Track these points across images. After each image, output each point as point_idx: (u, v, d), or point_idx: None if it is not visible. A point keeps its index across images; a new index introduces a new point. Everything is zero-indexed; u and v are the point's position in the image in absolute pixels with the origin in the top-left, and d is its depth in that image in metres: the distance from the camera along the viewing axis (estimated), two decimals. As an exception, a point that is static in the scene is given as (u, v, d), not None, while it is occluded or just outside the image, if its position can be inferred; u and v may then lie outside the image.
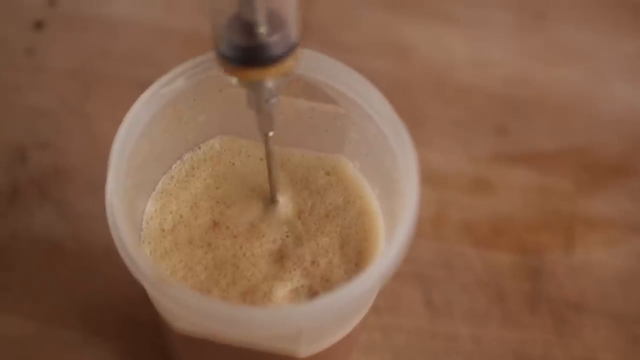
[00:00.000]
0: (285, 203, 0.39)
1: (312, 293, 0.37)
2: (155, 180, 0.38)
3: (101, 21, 0.53)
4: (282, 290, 0.36)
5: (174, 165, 0.39)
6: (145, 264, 0.32)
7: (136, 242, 0.32)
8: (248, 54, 0.31)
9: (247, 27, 0.31)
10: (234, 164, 0.39)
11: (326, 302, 0.32)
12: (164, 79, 0.36)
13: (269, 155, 0.36)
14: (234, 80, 0.33)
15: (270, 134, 0.36)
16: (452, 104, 0.52)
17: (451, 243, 0.48)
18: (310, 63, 0.36)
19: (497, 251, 0.48)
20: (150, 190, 0.38)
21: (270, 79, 0.33)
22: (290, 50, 0.31)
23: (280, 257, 0.37)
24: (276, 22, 0.31)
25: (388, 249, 0.33)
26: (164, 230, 0.38)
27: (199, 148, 0.39)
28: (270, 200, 0.38)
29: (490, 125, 0.52)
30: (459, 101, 0.52)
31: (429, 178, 0.50)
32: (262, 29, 0.31)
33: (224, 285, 0.36)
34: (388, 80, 0.53)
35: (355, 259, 0.37)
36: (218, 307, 0.31)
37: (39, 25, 0.52)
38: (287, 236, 0.38)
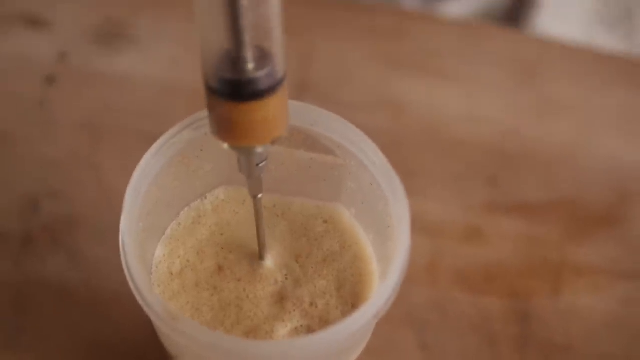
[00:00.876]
0: (285, 249, 0.42)
1: (311, 332, 0.40)
2: (164, 226, 0.42)
3: (109, 77, 0.57)
4: (282, 330, 0.40)
5: (181, 212, 0.43)
6: (156, 300, 0.35)
7: (147, 281, 0.36)
8: (235, 88, 0.34)
9: (236, 63, 0.34)
10: (237, 213, 0.43)
11: (323, 336, 0.36)
12: (174, 130, 0.40)
13: (257, 215, 0.40)
14: (225, 145, 0.37)
15: (259, 196, 0.39)
16: (446, 157, 0.56)
17: (445, 288, 0.52)
18: (310, 116, 0.40)
19: (488, 296, 0.52)
20: (159, 235, 0.42)
21: (260, 144, 0.36)
22: (276, 85, 0.34)
23: (280, 299, 0.41)
24: (263, 58, 0.34)
25: (381, 289, 0.36)
26: (172, 274, 0.41)
27: (205, 197, 0.43)
28: (259, 257, 0.42)
29: (482, 177, 0.56)
30: (453, 154, 0.56)
31: (424, 227, 0.53)
32: (250, 65, 0.34)
33: (228, 325, 0.40)
34: (385, 134, 0.56)
35: (352, 300, 0.41)
36: (223, 340, 0.35)
37: (50, 79, 0.57)
38: (287, 279, 0.42)
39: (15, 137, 0.54)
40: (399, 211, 0.38)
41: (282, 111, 0.36)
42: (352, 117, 0.41)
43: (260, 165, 0.37)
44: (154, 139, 0.40)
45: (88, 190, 0.52)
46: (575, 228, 0.54)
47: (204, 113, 0.40)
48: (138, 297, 0.35)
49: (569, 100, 0.59)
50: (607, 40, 0.73)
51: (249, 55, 0.33)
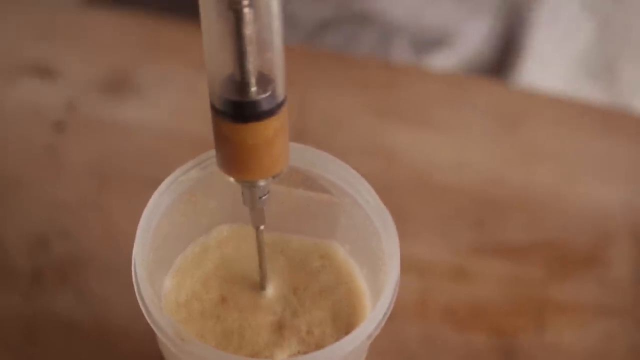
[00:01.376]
0: (284, 282, 0.46)
1: (308, 358, 0.44)
2: (172, 259, 0.46)
3: (115, 124, 0.61)
4: (281, 355, 0.44)
5: (188, 247, 0.46)
6: (167, 322, 0.39)
7: (158, 304, 0.39)
8: (239, 110, 0.37)
9: (239, 86, 0.37)
10: (240, 248, 0.47)
11: (317, 356, 0.39)
12: (182, 169, 0.43)
13: (260, 247, 0.44)
14: (231, 179, 0.41)
15: (261, 227, 0.43)
16: (434, 201, 0.60)
17: (433, 324, 0.55)
18: (309, 157, 0.44)
19: (475, 333, 0.55)
20: (167, 267, 0.46)
21: (262, 178, 0.40)
22: (276, 108, 0.38)
23: (279, 327, 0.45)
24: (265, 83, 0.37)
25: (372, 314, 0.40)
26: (179, 304, 0.45)
27: (210, 233, 0.47)
28: (260, 287, 0.46)
29: (469, 220, 0.59)
30: (441, 199, 0.60)
31: (414, 267, 0.57)
32: (253, 89, 0.37)
33: (231, 351, 0.44)
34: (376, 180, 0.60)
35: (345, 329, 0.45)
36: (228, 358, 0.39)
37: (58, 126, 0.60)
38: (285, 310, 0.45)
39: (26, 180, 0.58)
40: (390, 246, 0.42)
41: (284, 146, 0.40)
42: (345, 162, 0.45)
43: (263, 198, 0.41)
44: (158, 182, 0.44)
45: (95, 231, 0.56)
46: (558, 268, 0.58)
47: (209, 154, 0.43)
48: (149, 319, 0.39)
49: (551, 148, 0.63)
50: (590, 91, 0.77)
51: (252, 80, 0.37)
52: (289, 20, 0.70)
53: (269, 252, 0.46)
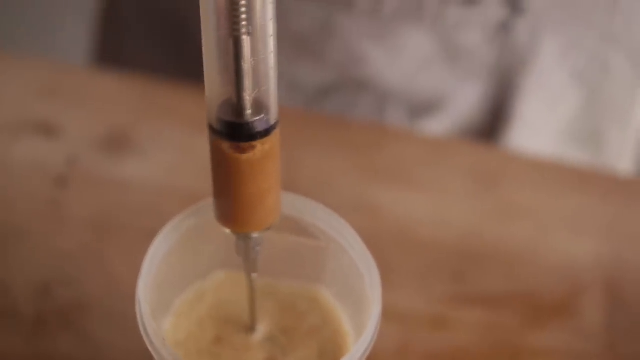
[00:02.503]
0: (274, 323, 0.51)
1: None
2: (171, 301, 0.50)
3: (114, 180, 0.66)
4: (272, 389, 0.48)
5: (186, 290, 0.51)
6: (169, 353, 0.43)
7: (161, 336, 0.44)
8: (235, 130, 0.42)
9: (236, 109, 0.41)
10: (234, 292, 0.52)
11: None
12: (182, 215, 0.48)
13: (251, 292, 0.49)
14: (227, 230, 0.46)
15: (254, 275, 0.48)
16: (415, 255, 0.65)
17: (414, 369, 0.60)
18: (299, 206, 0.48)
19: (454, 377, 0.60)
20: (167, 309, 0.50)
21: (256, 230, 0.45)
22: (270, 129, 0.42)
23: (270, 364, 0.49)
24: (259, 107, 0.42)
25: (356, 346, 0.45)
26: (177, 343, 0.49)
27: (207, 277, 0.52)
28: (250, 328, 0.50)
29: (448, 272, 0.64)
30: (422, 253, 0.65)
31: (395, 316, 0.62)
32: (248, 111, 0.41)
33: (226, 385, 0.48)
34: (361, 234, 0.64)
35: (332, 366, 0.50)
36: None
37: (60, 181, 0.65)
38: (275, 348, 0.50)
39: (30, 231, 0.63)
40: (374, 286, 0.47)
41: (276, 200, 0.45)
42: (332, 215, 0.50)
43: (256, 249, 0.46)
44: (154, 234, 0.48)
45: (96, 278, 0.61)
46: (532, 316, 0.62)
47: (207, 202, 0.48)
48: (152, 350, 0.44)
49: (527, 205, 0.68)
50: (577, 156, 0.80)
51: (248, 103, 0.41)
52: (290, 85, 0.74)
53: (260, 295, 0.51)
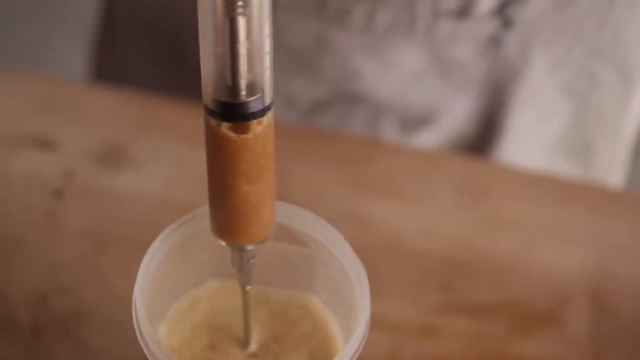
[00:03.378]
0: (266, 330, 0.53)
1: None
2: (166, 307, 0.52)
3: (110, 192, 0.67)
4: (263, 393, 0.50)
5: (181, 298, 0.53)
6: (163, 353, 0.45)
7: (155, 336, 0.46)
8: (230, 109, 0.43)
9: (231, 89, 0.42)
10: (228, 300, 0.53)
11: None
12: (176, 223, 0.50)
13: (245, 304, 0.50)
14: (222, 242, 0.47)
15: (248, 287, 0.50)
16: (404, 265, 0.67)
17: (403, 376, 0.62)
18: (290, 214, 0.50)
19: (442, 384, 0.62)
20: (162, 315, 0.52)
21: (251, 243, 0.47)
22: (265, 109, 0.43)
23: (262, 369, 0.51)
24: (255, 87, 0.42)
25: (346, 349, 0.47)
26: (172, 349, 0.51)
27: (202, 285, 0.53)
28: (245, 338, 0.52)
29: (437, 282, 0.66)
30: (411, 263, 0.67)
31: (385, 325, 0.63)
32: (243, 92, 0.42)
33: (219, 389, 0.50)
34: (351, 245, 0.67)
35: (323, 371, 0.51)
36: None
37: (57, 193, 0.67)
38: (267, 355, 0.52)
39: (28, 242, 0.64)
40: (362, 290, 0.49)
41: (271, 213, 0.47)
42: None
43: (250, 261, 0.48)
44: (149, 245, 0.50)
45: (92, 288, 0.62)
46: (519, 325, 0.64)
47: (202, 210, 0.50)
48: (147, 351, 0.45)
49: (514, 216, 0.70)
50: (566, 169, 0.82)
51: (242, 83, 0.42)
52: (287, 99, 0.75)
53: (253, 303, 0.53)
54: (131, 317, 0.47)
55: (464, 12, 0.71)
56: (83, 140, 0.70)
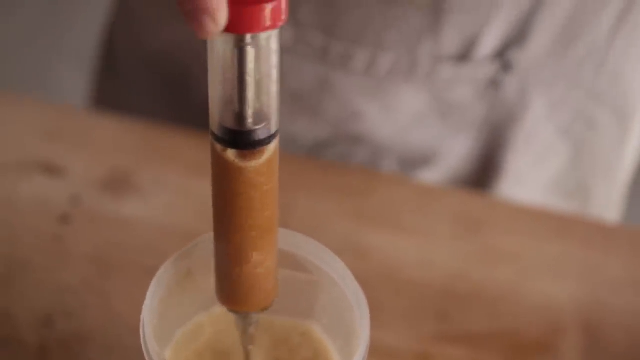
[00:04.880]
0: (269, 355, 0.54)
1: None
2: (172, 332, 0.54)
3: (115, 218, 0.69)
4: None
5: (186, 322, 0.55)
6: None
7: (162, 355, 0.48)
8: (237, 137, 0.44)
9: (238, 117, 0.43)
10: (232, 326, 0.55)
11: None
12: (186, 248, 0.52)
13: (245, 351, 0.52)
14: (225, 307, 0.49)
15: (250, 347, 0.52)
16: (402, 295, 0.68)
17: (400, 402, 0.63)
18: (293, 240, 0.52)
19: (437, 411, 0.63)
20: (168, 340, 0.54)
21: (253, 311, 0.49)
22: (271, 137, 0.44)
23: (265, 394, 0.53)
24: (261, 115, 0.44)
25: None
26: (178, 371, 0.53)
27: (206, 310, 0.55)
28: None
29: (433, 312, 0.68)
30: (408, 293, 0.68)
31: (382, 353, 0.65)
32: (250, 120, 0.43)
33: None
34: (351, 274, 0.69)
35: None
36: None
37: (64, 218, 0.69)
38: (270, 378, 0.54)
39: (35, 265, 0.66)
40: (362, 316, 0.51)
41: (274, 283, 0.49)
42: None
43: (253, 325, 0.50)
44: (153, 270, 0.51)
45: (96, 311, 0.64)
46: (513, 355, 0.66)
47: (209, 236, 0.52)
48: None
49: (509, 249, 0.71)
50: (564, 209, 0.81)
51: (249, 112, 0.43)
52: (289, 139, 0.77)
53: (256, 329, 0.55)
54: (135, 339, 0.49)
55: (464, 56, 0.72)
56: (89, 167, 0.72)
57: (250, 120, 0.44)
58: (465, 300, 0.68)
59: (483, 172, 0.80)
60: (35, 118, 0.76)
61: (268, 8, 0.41)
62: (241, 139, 0.44)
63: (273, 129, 0.44)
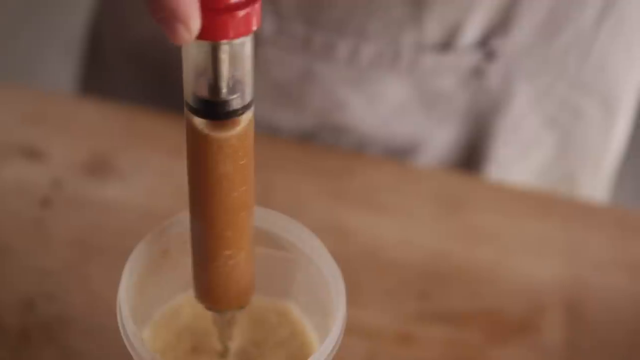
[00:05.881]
0: (246, 335, 0.55)
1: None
2: (150, 312, 0.54)
3: (97, 202, 0.69)
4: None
5: (165, 302, 0.55)
6: (145, 350, 0.47)
7: (139, 335, 0.48)
8: (210, 108, 0.44)
9: (212, 87, 0.43)
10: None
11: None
12: (159, 227, 0.52)
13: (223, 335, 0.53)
14: (203, 305, 0.50)
15: (229, 344, 0.52)
16: (383, 274, 0.69)
17: (379, 384, 0.64)
18: (269, 218, 0.52)
19: (418, 389, 0.64)
20: (146, 320, 0.54)
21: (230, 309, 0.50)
22: (245, 107, 0.44)
23: (243, 373, 0.53)
24: (235, 86, 0.43)
25: (321, 347, 0.49)
26: (155, 351, 0.53)
27: (185, 290, 0.55)
28: (225, 347, 0.54)
29: (414, 291, 0.68)
30: (389, 272, 0.69)
31: (363, 333, 0.65)
32: (224, 90, 0.43)
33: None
34: (331, 255, 0.69)
35: (301, 374, 0.53)
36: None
37: (44, 202, 0.69)
38: (247, 358, 0.54)
39: (16, 249, 0.66)
40: (337, 289, 0.50)
41: (251, 281, 0.50)
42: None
43: (230, 322, 0.51)
44: None
45: (78, 295, 0.64)
46: (495, 333, 0.66)
47: (185, 214, 0.52)
48: (130, 349, 0.47)
49: (490, 228, 0.72)
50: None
51: (224, 84, 0.43)
52: (274, 131, 0.77)
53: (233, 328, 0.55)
54: (116, 322, 0.49)
55: (447, 45, 0.72)
56: (71, 150, 0.72)
57: (224, 90, 0.44)
58: (446, 280, 0.69)
59: (469, 162, 0.80)
60: (16, 102, 0.76)
61: (240, 15, 0.41)
62: (215, 109, 0.44)
63: (247, 99, 0.44)
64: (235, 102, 0.44)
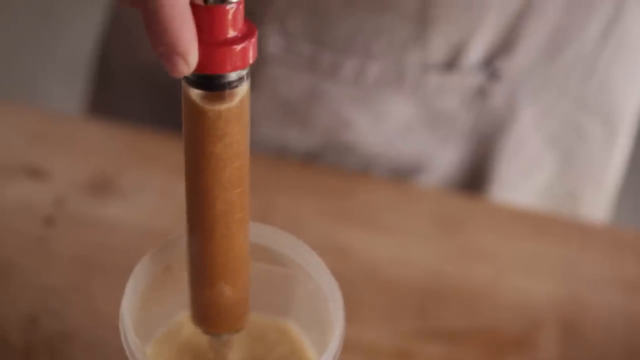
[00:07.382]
0: (246, 352, 0.55)
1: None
2: (153, 329, 0.55)
3: (100, 220, 0.70)
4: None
5: (167, 319, 0.55)
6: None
7: (142, 348, 0.49)
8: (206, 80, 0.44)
9: None
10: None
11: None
12: (161, 244, 0.53)
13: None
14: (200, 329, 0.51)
15: None
16: (381, 293, 0.69)
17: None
18: (268, 235, 0.53)
19: (416, 406, 0.65)
20: (149, 336, 0.55)
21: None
22: (241, 80, 0.44)
23: (243, 389, 0.54)
24: None
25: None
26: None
27: (187, 307, 0.56)
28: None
29: (412, 309, 0.69)
30: (388, 291, 0.69)
31: (361, 349, 0.66)
32: None
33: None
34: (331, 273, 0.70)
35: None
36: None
37: (48, 221, 0.70)
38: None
39: (20, 267, 0.67)
40: (337, 307, 0.51)
41: (245, 307, 0.51)
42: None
43: (226, 345, 0.53)
44: None
45: (81, 311, 0.65)
46: (491, 351, 0.67)
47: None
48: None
49: (487, 247, 0.73)
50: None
51: None
52: (279, 150, 0.78)
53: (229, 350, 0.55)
54: (119, 338, 0.50)
55: (451, 64, 0.73)
56: (74, 170, 0.73)
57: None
58: (444, 298, 0.69)
59: (473, 181, 0.81)
60: (20, 122, 0.77)
61: (237, 49, 0.43)
62: (211, 80, 0.44)
63: (244, 71, 0.44)
64: (232, 74, 0.44)
